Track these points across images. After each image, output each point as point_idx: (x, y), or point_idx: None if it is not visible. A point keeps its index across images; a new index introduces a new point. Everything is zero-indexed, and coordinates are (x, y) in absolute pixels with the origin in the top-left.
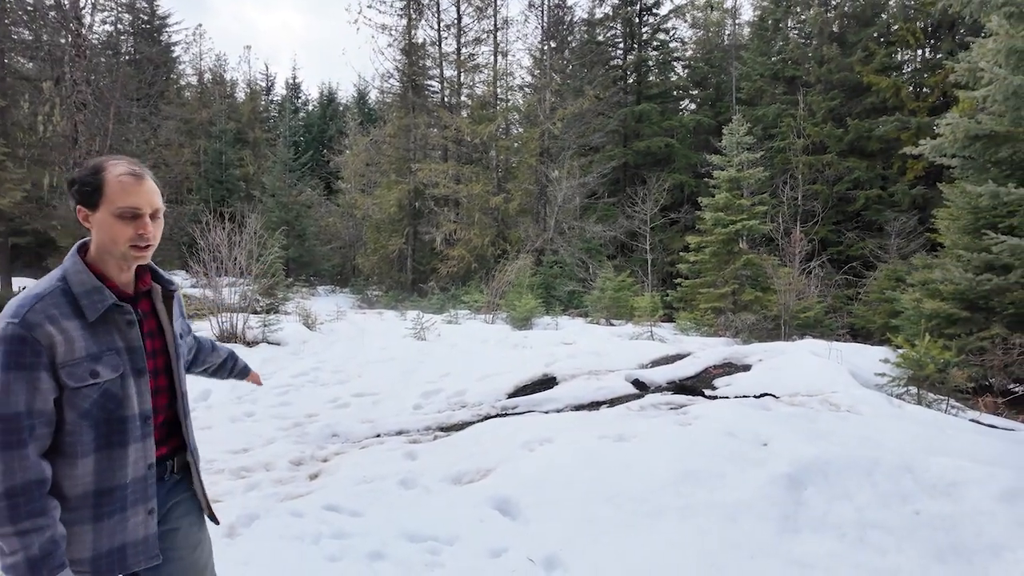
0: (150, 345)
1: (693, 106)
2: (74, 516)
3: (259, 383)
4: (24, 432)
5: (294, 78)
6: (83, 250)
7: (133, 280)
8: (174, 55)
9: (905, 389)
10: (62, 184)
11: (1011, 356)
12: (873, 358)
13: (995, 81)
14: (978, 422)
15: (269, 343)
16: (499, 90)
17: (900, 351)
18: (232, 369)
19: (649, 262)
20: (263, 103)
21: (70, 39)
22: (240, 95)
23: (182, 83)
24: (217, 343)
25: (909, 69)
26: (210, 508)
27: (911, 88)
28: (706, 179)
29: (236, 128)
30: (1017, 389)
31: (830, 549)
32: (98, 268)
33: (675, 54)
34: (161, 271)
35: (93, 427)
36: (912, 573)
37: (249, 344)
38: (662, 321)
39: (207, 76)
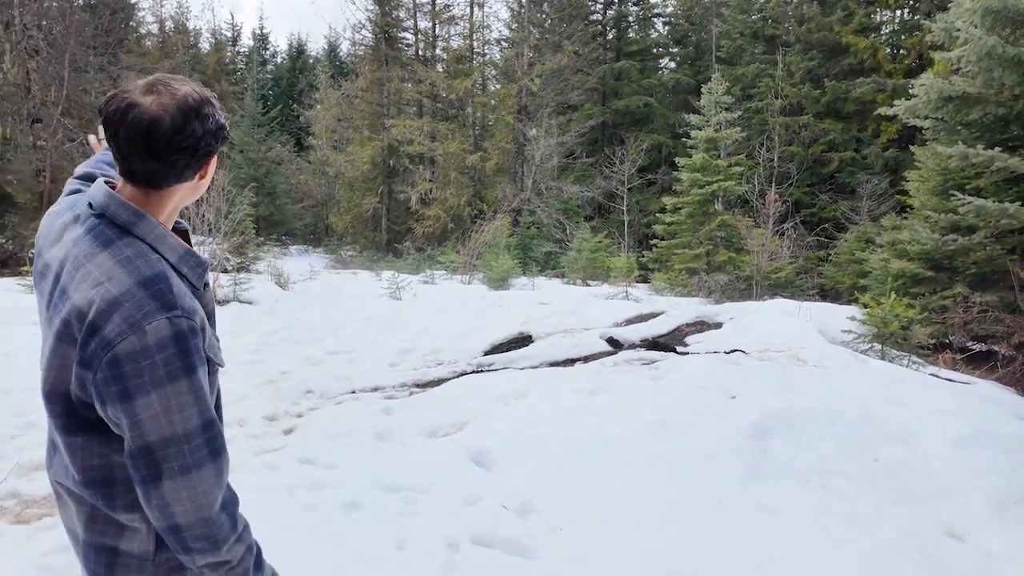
0: None
1: (673, 64)
2: None
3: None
4: (219, 440)
5: (261, 28)
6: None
7: None
8: (132, 1)
9: (870, 346)
10: (15, 136)
11: (971, 314)
12: (841, 317)
13: (970, 41)
14: (937, 376)
15: (240, 302)
16: (476, 44)
17: (866, 309)
18: None
19: (626, 223)
20: (229, 54)
21: None
22: (204, 46)
23: (142, 31)
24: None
25: (888, 30)
26: None
27: (888, 50)
28: (684, 139)
29: (201, 80)
30: (975, 346)
31: (793, 494)
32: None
33: (655, 10)
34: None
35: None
36: (870, 515)
37: (220, 303)
38: (637, 282)
39: (169, 24)
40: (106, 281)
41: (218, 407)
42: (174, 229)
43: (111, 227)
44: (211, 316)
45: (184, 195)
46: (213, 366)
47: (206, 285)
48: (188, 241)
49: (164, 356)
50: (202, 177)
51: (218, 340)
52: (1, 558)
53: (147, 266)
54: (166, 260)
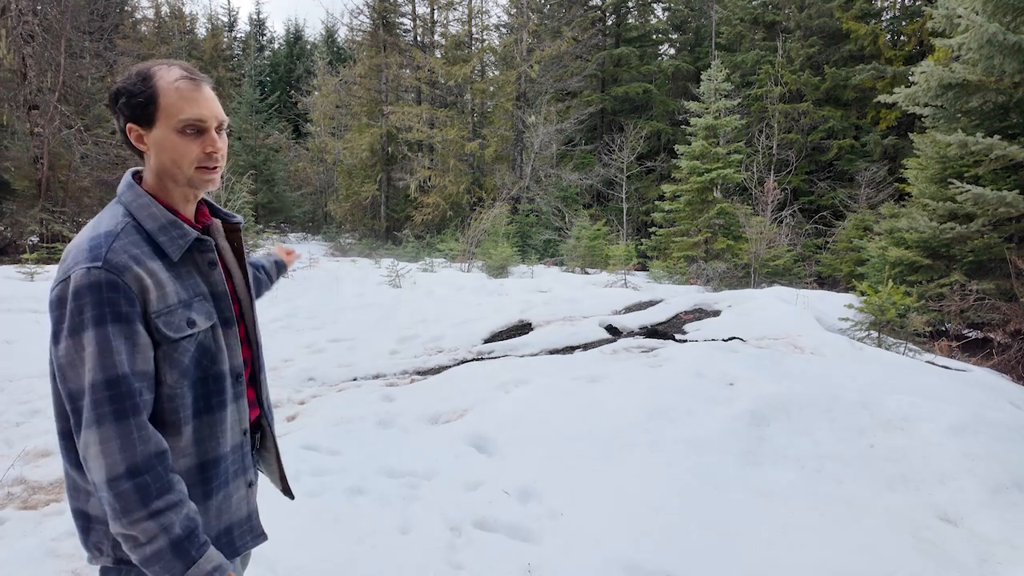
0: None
1: (672, 51)
2: None
3: (293, 255)
4: (135, 396)
5: (258, 13)
6: (138, 181)
7: (195, 214)
8: None
9: (867, 333)
10: (12, 123)
11: (967, 302)
12: (838, 304)
13: (971, 28)
14: (933, 363)
15: None
16: (474, 29)
17: (864, 297)
18: (278, 274)
19: (624, 211)
20: (226, 40)
21: None
22: (201, 31)
23: (138, 16)
24: (259, 259)
25: (888, 16)
26: (285, 481)
27: (889, 36)
28: (683, 126)
29: (198, 66)
30: (971, 334)
31: (789, 480)
32: (161, 200)
33: None
34: (217, 204)
35: (191, 388)
36: (865, 500)
37: None
38: (636, 270)
39: (164, 9)
40: (74, 240)
41: (218, 375)
42: (224, 221)
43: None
44: (216, 297)
45: (151, 164)
46: (163, 335)
47: (211, 264)
48: (236, 230)
49: (78, 304)
50: (138, 142)
51: (200, 317)
52: (10, 543)
53: (103, 225)
54: (142, 226)
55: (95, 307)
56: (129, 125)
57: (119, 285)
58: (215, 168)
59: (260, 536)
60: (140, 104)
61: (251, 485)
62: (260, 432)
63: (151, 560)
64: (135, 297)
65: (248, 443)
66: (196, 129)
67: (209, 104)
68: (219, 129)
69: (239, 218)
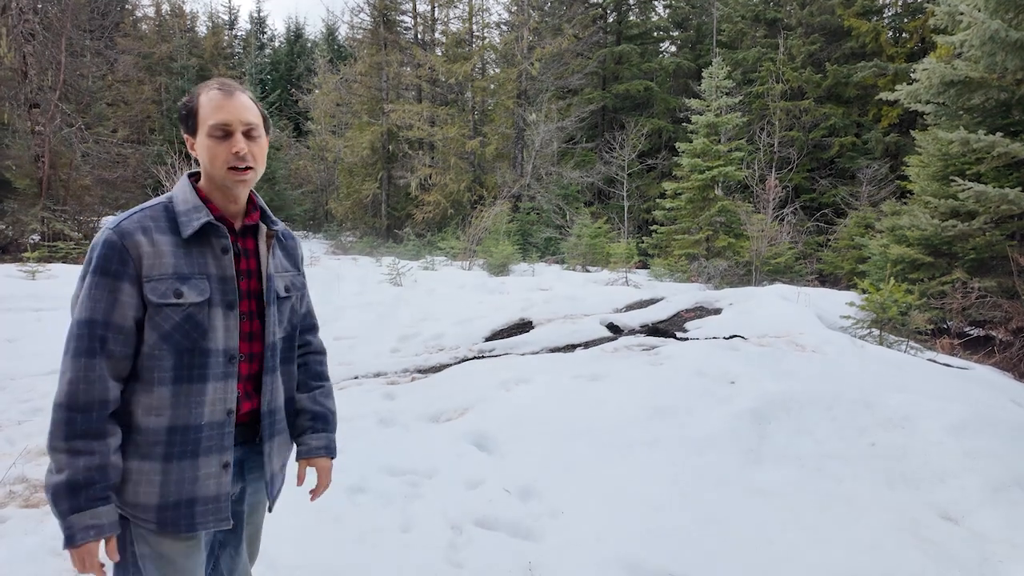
0: (245, 284)
1: (673, 48)
2: (145, 451)
3: (312, 493)
4: (97, 341)
5: (259, 12)
6: (195, 179)
7: (242, 215)
8: None
9: (868, 331)
10: (13, 122)
11: (969, 299)
12: (839, 302)
13: (973, 25)
14: (934, 361)
15: None
16: (475, 27)
17: (865, 295)
18: (309, 430)
19: (626, 209)
20: (226, 38)
21: None
22: (202, 29)
23: (138, 15)
24: (325, 372)
25: (890, 13)
26: (271, 494)
27: (891, 33)
28: (684, 124)
29: (199, 65)
30: (973, 332)
31: (790, 478)
32: (208, 198)
33: None
34: (269, 210)
35: (174, 354)
36: (865, 498)
37: None
38: (637, 268)
39: (165, 7)
40: None
41: (205, 350)
42: (261, 211)
43: None
44: (223, 280)
45: (202, 169)
46: (148, 299)
47: (224, 250)
48: (265, 219)
49: (89, 256)
50: (191, 149)
51: (193, 292)
52: (11, 541)
53: (146, 203)
54: (172, 207)
55: (95, 260)
56: (185, 135)
57: (117, 246)
58: (246, 170)
59: (224, 520)
60: (185, 116)
61: (226, 467)
62: (259, 435)
63: (48, 489)
64: (130, 259)
65: (231, 425)
66: (223, 132)
67: (236, 110)
68: (249, 133)
69: (278, 226)
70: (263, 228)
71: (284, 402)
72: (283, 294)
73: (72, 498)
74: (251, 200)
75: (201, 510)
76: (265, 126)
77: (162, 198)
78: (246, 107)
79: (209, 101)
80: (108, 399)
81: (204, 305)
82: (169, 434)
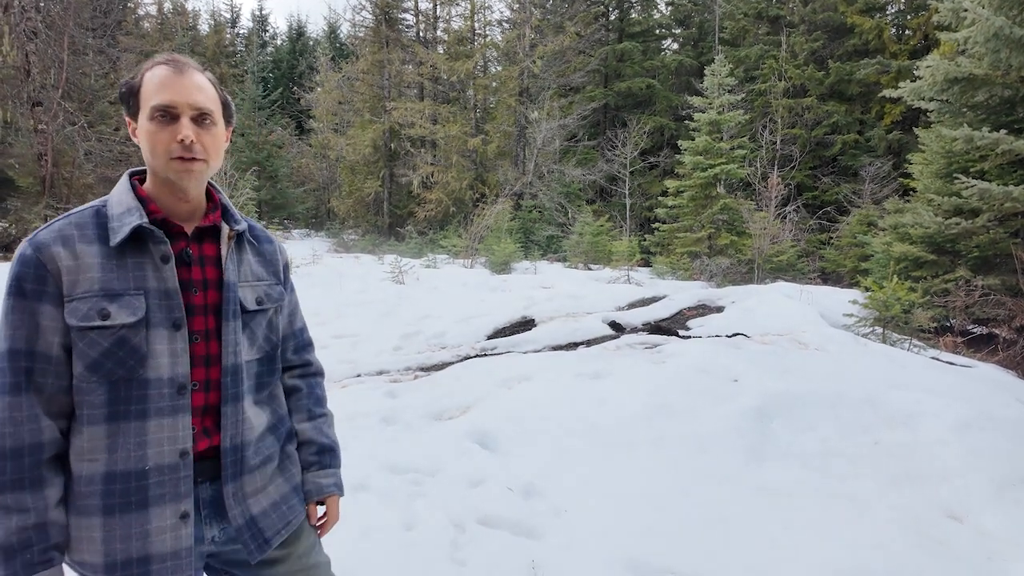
0: (201, 298)
1: (675, 46)
2: (81, 504)
3: (321, 529)
4: (20, 375)
5: (260, 10)
6: (140, 176)
7: (198, 215)
8: None
9: (871, 329)
10: (16, 120)
11: (972, 297)
12: (842, 300)
13: (977, 22)
14: (938, 359)
15: None
16: (477, 25)
17: (868, 293)
18: (315, 466)
19: (628, 207)
20: (228, 36)
21: None
22: (204, 27)
23: (140, 13)
24: (323, 399)
25: (893, 10)
26: (248, 543)
27: (894, 30)
28: (686, 122)
29: (201, 63)
30: (976, 330)
31: (794, 477)
32: (152, 197)
33: None
34: (233, 209)
35: (106, 386)
36: (870, 497)
37: None
38: (639, 266)
39: (167, 6)
40: None
41: (144, 381)
42: (223, 209)
43: None
44: (165, 294)
45: (144, 155)
46: (69, 322)
47: (165, 258)
48: (227, 218)
49: (8, 274)
50: (133, 135)
51: (123, 311)
52: None
53: (75, 209)
54: (105, 212)
55: (9, 280)
56: (127, 119)
57: (32, 262)
58: (192, 160)
59: None
60: (126, 95)
61: (184, 518)
62: (220, 475)
63: None
64: (47, 276)
65: (187, 468)
66: (166, 115)
67: (184, 90)
68: (199, 119)
69: (240, 225)
70: (226, 229)
71: (269, 428)
72: (252, 307)
73: (7, 565)
74: (211, 197)
75: (157, 568)
76: (225, 114)
77: (96, 202)
78: (198, 87)
79: (153, 78)
80: (41, 442)
81: (139, 326)
82: (107, 482)
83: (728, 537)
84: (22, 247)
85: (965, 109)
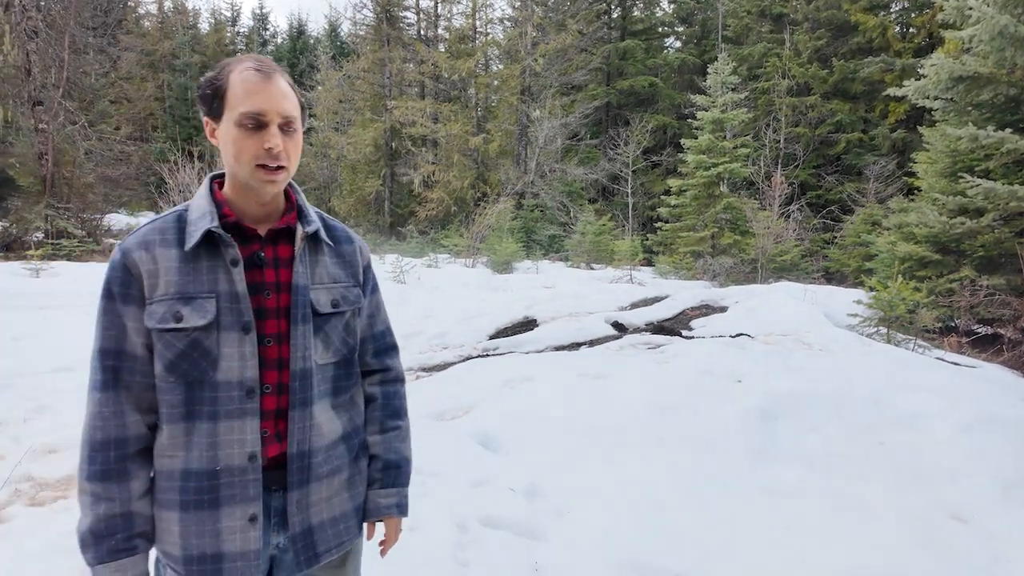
0: (274, 301)
1: (678, 44)
2: (162, 498)
3: (382, 547)
4: (109, 373)
5: (261, 8)
6: (221, 180)
7: (274, 217)
8: None
9: (875, 329)
10: (16, 119)
11: (977, 297)
12: (846, 300)
13: (982, 20)
14: (943, 360)
15: None
16: (478, 23)
17: (872, 293)
18: (378, 484)
19: (630, 206)
20: (229, 35)
21: None
22: (204, 26)
23: (141, 12)
24: (405, 408)
25: (897, 8)
26: (301, 552)
27: (898, 28)
28: (689, 120)
29: (201, 62)
30: (981, 330)
31: (799, 478)
32: (228, 201)
33: None
34: (309, 209)
35: (183, 386)
36: (874, 498)
37: None
38: (642, 265)
39: (168, 4)
40: None
41: (214, 383)
42: (299, 210)
43: None
44: (234, 297)
45: (224, 163)
46: (149, 324)
47: (234, 262)
48: (302, 219)
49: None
50: (211, 136)
51: (194, 314)
52: (18, 540)
53: (163, 213)
54: (186, 216)
55: (103, 284)
56: (205, 119)
57: (119, 266)
58: (277, 169)
59: None
60: (209, 96)
61: (253, 520)
62: (287, 480)
63: (77, 535)
64: (132, 280)
65: (255, 472)
66: (256, 123)
67: (274, 98)
68: (286, 127)
69: (311, 226)
70: (299, 231)
71: (343, 437)
72: (326, 310)
73: (95, 548)
74: (288, 198)
75: (229, 567)
76: (302, 117)
77: (180, 206)
78: (285, 95)
79: (243, 82)
80: (126, 436)
81: (211, 329)
82: (183, 479)
83: (732, 538)
84: (114, 252)
85: (970, 108)
